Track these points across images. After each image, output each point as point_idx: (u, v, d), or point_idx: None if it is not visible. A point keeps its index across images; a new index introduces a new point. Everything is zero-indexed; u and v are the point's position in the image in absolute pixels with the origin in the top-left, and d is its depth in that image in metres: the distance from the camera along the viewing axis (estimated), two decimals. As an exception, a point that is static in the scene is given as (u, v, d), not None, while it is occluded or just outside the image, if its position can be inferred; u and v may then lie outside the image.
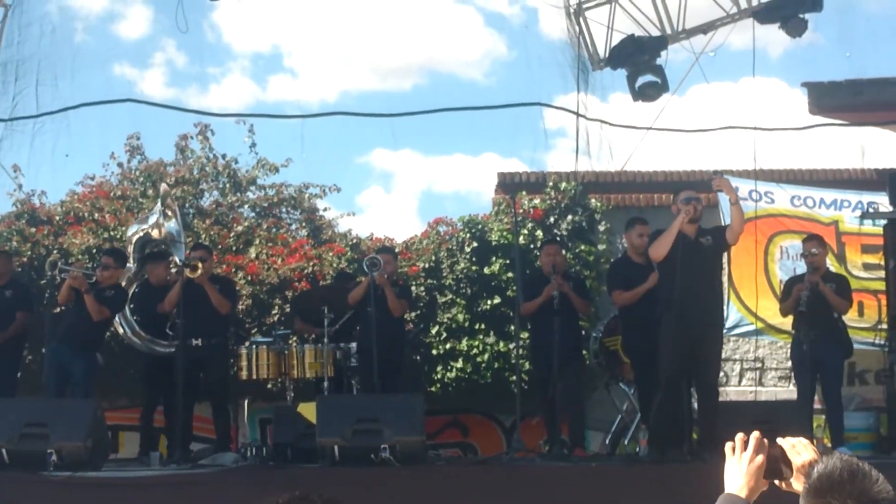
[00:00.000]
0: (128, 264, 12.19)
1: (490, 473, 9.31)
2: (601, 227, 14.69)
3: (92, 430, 9.15)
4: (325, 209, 18.35)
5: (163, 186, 14.20)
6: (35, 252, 14.68)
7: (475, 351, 13.98)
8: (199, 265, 11.22)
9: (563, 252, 12.26)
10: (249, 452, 10.50)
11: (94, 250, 14.32)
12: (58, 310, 11.42)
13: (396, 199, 35.20)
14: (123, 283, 11.95)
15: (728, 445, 3.17)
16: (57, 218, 15.92)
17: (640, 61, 12.06)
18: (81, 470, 8.87)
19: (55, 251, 14.23)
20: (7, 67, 13.03)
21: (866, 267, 13.49)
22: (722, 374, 13.84)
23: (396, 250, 13.91)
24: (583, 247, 14.26)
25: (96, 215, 15.69)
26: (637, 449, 11.44)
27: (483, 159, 36.45)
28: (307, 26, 32.83)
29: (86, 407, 9.57)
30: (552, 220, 14.55)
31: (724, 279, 12.75)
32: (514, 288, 13.34)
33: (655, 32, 12.10)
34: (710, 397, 9.98)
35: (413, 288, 13.77)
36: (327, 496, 2.49)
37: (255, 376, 11.63)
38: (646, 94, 11.93)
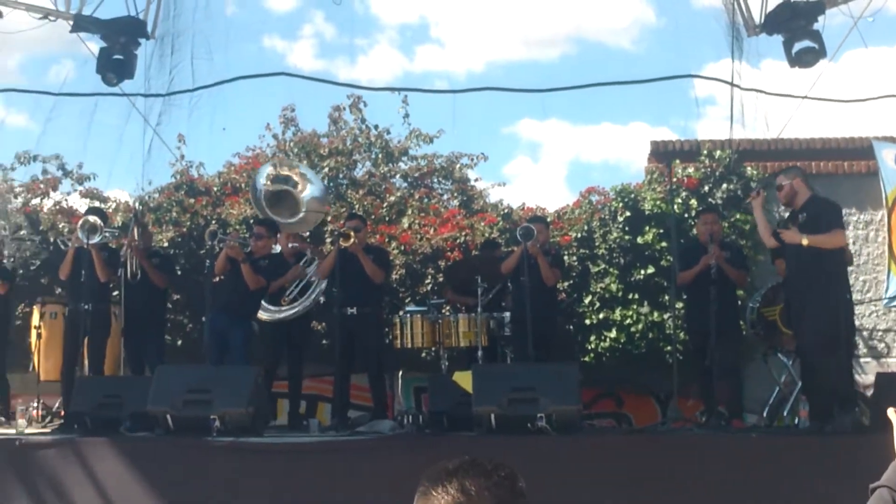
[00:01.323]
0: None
1: (646, 443, 9.21)
2: (758, 196, 14.43)
3: (253, 397, 9.31)
4: (476, 179, 18.41)
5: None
6: (194, 222, 15.00)
7: (629, 321, 13.87)
8: (353, 234, 11.34)
9: (720, 221, 12.07)
10: (406, 420, 10.59)
11: (251, 220, 14.57)
12: (216, 279, 11.61)
13: (544, 168, 35.10)
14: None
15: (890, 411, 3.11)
16: (215, 189, 16.24)
17: (796, 27, 11.81)
18: (244, 435, 9.03)
19: (213, 221, 14.52)
20: (164, 41, 13.32)
21: None
22: (883, 344, 13.54)
23: (548, 220, 13.85)
24: (738, 216, 14.01)
25: (253, 185, 15.95)
26: (796, 421, 11.23)
27: (632, 128, 36.12)
28: (454, -4, 32.80)
29: (248, 373, 9.73)
30: (706, 188, 14.34)
31: (885, 249, 12.47)
32: (668, 257, 13.21)
33: (812, -3, 11.84)
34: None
35: (565, 257, 13.72)
36: (497, 461, 2.48)
37: (409, 345, 11.72)
38: (803, 60, 11.69)
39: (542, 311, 11.04)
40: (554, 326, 11.98)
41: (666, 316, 13.55)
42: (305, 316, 12.29)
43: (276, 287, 11.98)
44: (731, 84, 12.14)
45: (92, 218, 11.41)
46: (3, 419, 11.21)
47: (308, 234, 13.92)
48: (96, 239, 11.23)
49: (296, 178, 13.10)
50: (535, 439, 8.62)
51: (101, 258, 11.45)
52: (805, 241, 9.44)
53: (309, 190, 13.02)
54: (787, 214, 10.57)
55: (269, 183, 12.90)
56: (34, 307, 12.55)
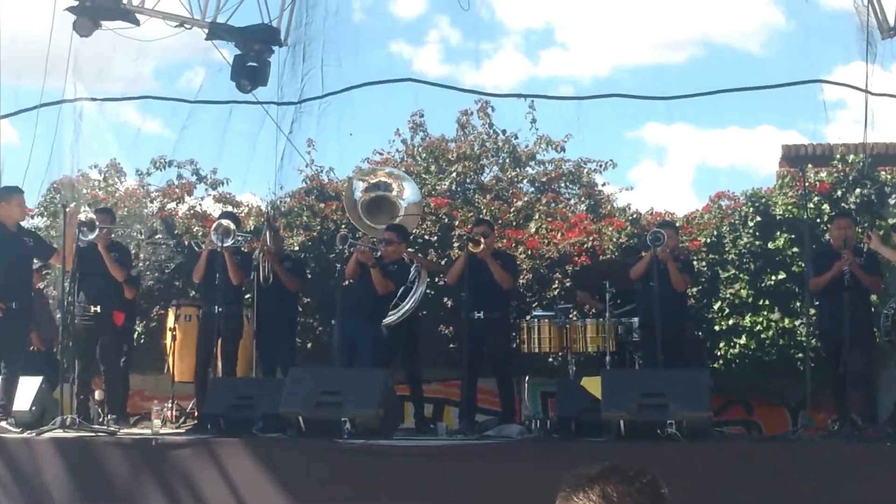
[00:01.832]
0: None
1: (777, 451, 9.08)
2: (892, 201, 14.13)
3: (383, 400, 9.38)
4: (603, 184, 18.35)
5: None
6: (324, 227, 15.17)
7: (759, 327, 13.71)
8: (482, 240, 11.37)
9: (853, 226, 11.85)
10: (533, 425, 10.59)
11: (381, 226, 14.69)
12: (346, 283, 11.72)
13: (670, 173, 34.82)
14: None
15: None
16: (345, 193, 16.40)
17: (932, 28, 11.58)
18: (374, 438, 9.10)
19: (343, 226, 14.67)
20: (296, 49, 13.56)
21: None
22: None
23: (677, 224, 13.74)
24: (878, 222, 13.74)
25: (382, 191, 16.09)
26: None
27: (759, 132, 35.65)
28: (579, 0, 32.65)
29: (378, 376, 9.81)
30: (839, 193, 14.11)
31: None
32: (800, 263, 13.02)
33: (951, -3, 11.59)
34: None
35: (695, 262, 13.60)
36: (639, 468, 2.47)
37: (536, 350, 11.72)
38: (939, 62, 11.46)
39: (672, 316, 10.95)
40: (683, 331, 11.87)
41: (797, 322, 13.35)
42: (412, 320, 12.25)
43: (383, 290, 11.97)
44: (865, 91, 11.94)
45: (225, 221, 11.59)
46: (115, 418, 11.41)
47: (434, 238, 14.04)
48: (229, 242, 11.40)
49: (386, 180, 13.18)
50: (664, 446, 8.55)
51: (234, 261, 11.63)
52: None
53: (406, 191, 13.08)
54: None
55: (364, 194, 12.96)
56: (169, 310, 12.80)
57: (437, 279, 13.44)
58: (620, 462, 2.49)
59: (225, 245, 11.36)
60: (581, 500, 2.35)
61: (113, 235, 12.36)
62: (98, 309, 11.50)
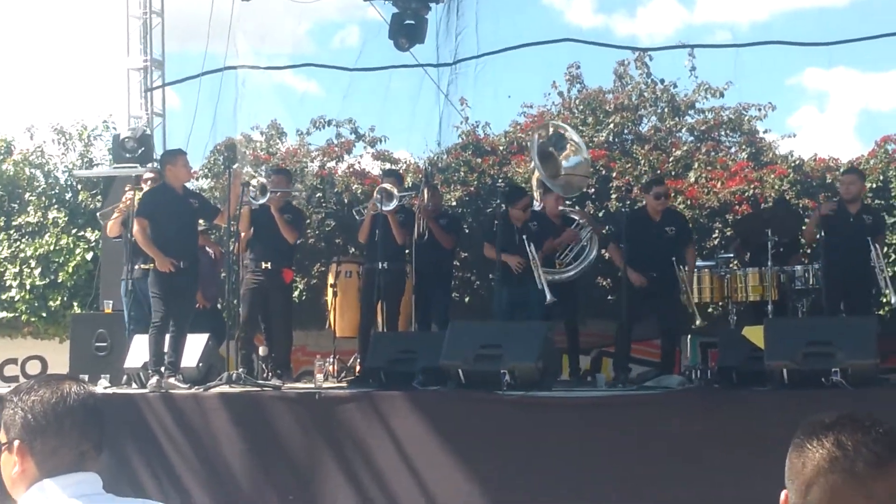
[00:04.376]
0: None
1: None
2: None
3: (543, 352, 9.38)
4: (765, 131, 17.97)
5: None
6: (481, 182, 15.22)
7: (928, 272, 13.34)
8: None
9: None
10: (694, 375, 10.49)
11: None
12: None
13: (831, 118, 33.88)
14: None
15: None
16: (501, 148, 16.43)
17: None
18: (533, 389, 9.12)
19: (500, 180, 14.68)
20: (450, 6, 13.55)
21: None
22: None
23: (841, 171, 13.42)
24: None
25: (538, 144, 16.05)
26: None
27: (925, 73, 34.50)
28: (739, -57, 31.88)
29: (538, 329, 9.81)
30: None
31: None
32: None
33: None
34: None
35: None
36: (875, 417, 2.42)
37: (697, 300, 11.57)
38: None
39: (859, 265, 10.75)
40: (868, 282, 11.46)
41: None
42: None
43: (548, 250, 11.88)
44: None
45: (388, 185, 11.68)
46: (280, 372, 11.66)
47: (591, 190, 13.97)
48: (392, 206, 11.49)
49: (566, 141, 12.99)
50: (830, 394, 8.37)
51: (397, 221, 11.73)
52: None
53: (572, 159, 12.89)
54: None
55: (541, 137, 12.80)
56: (330, 266, 13.01)
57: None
58: (856, 411, 2.45)
59: (386, 209, 11.46)
60: (815, 447, 2.32)
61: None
62: (269, 265, 11.74)
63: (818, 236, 11.17)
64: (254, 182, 11.50)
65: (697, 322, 11.31)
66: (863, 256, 10.69)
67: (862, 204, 11.55)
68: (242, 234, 11.67)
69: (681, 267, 11.07)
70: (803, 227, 12.07)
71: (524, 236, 11.23)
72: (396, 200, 11.55)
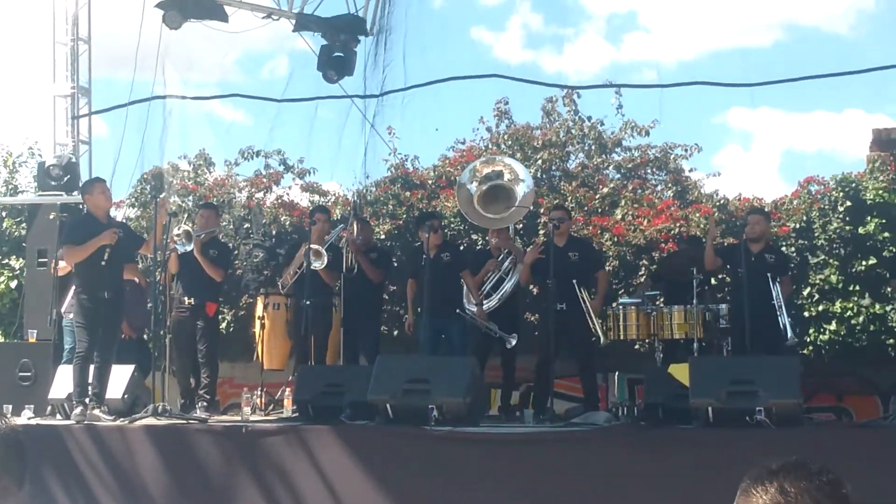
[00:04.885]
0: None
1: (868, 438, 8.98)
2: None
3: (471, 387, 9.40)
4: (690, 170, 18.17)
5: None
6: (410, 215, 15.24)
7: (849, 313, 13.56)
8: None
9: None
10: (620, 412, 10.56)
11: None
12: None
13: (756, 158, 34.42)
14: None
15: None
16: (430, 182, 16.46)
17: None
18: (461, 425, 9.13)
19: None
20: (379, 39, 13.60)
21: None
22: None
23: (766, 210, 13.61)
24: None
25: (467, 179, 16.10)
26: None
27: (847, 116, 35.16)
28: (664, -17, 32.34)
29: (465, 364, 9.84)
30: (932, 177, 13.90)
31: None
32: (892, 248, 12.86)
33: None
34: None
35: (783, 248, 13.47)
36: (823, 465, 2.46)
37: (622, 337, 11.66)
38: None
39: (764, 304, 10.84)
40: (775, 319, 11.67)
41: (888, 308, 13.18)
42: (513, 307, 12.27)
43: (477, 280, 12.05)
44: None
45: (316, 246, 11.65)
46: (206, 405, 11.63)
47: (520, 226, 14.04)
48: (320, 264, 11.51)
49: (501, 168, 13.08)
50: (753, 433, 8.48)
51: (328, 273, 11.86)
52: None
53: (521, 181, 12.99)
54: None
55: (479, 185, 12.83)
56: (258, 298, 12.96)
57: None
58: (806, 458, 2.49)
59: (315, 266, 11.51)
60: (759, 493, 2.36)
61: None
62: (192, 301, 11.73)
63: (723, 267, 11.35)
64: (178, 231, 11.45)
65: (602, 342, 11.34)
66: (767, 296, 10.82)
67: (766, 244, 11.70)
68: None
69: (582, 290, 11.18)
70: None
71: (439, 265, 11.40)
72: (326, 259, 11.56)
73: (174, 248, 11.42)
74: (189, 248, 11.41)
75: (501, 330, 11.74)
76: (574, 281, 11.16)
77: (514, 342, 11.50)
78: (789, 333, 10.58)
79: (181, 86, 14.25)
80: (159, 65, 13.32)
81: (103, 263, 10.56)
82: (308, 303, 11.29)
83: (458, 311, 11.59)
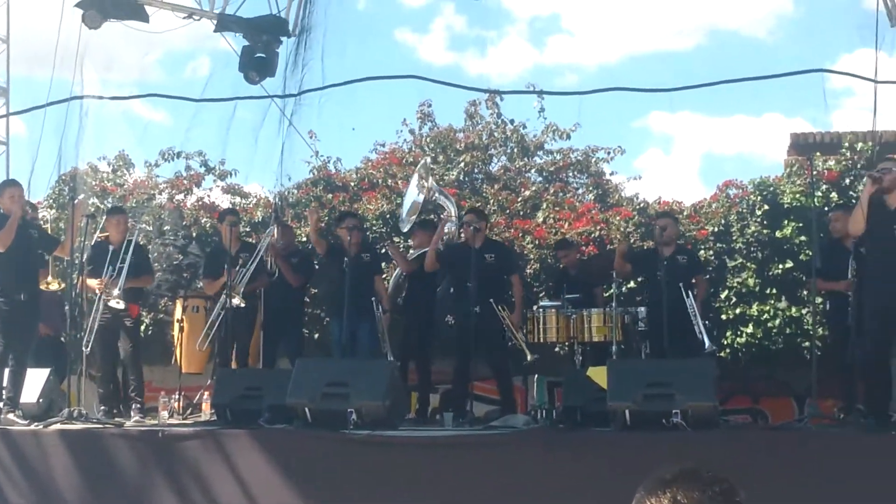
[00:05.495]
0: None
1: (782, 440, 9.08)
2: (900, 189, 14.08)
3: (390, 390, 9.40)
4: (611, 173, 18.33)
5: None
6: (332, 217, 15.17)
7: (766, 316, 13.72)
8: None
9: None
10: (539, 415, 10.60)
11: (388, 216, 14.73)
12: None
13: (676, 161, 34.82)
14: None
15: None
16: (352, 184, 16.43)
17: (942, 16, 11.58)
18: (380, 428, 9.12)
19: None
20: (301, 40, 13.52)
21: None
22: None
23: (685, 213, 13.74)
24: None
25: (389, 181, 16.11)
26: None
27: (765, 120, 35.66)
28: (588, -13, 32.62)
29: (384, 367, 9.84)
30: (847, 181, 14.08)
31: None
32: (808, 251, 12.99)
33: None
34: None
35: (701, 252, 13.60)
36: (717, 475, 2.47)
37: (542, 340, 11.70)
38: (949, 50, 11.46)
39: (678, 305, 10.92)
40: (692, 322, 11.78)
41: (804, 311, 13.35)
42: (427, 310, 12.32)
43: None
44: (873, 80, 11.89)
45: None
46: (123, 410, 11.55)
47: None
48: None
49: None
50: (670, 435, 8.55)
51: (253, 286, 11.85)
52: None
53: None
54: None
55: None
56: (176, 301, 12.85)
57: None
58: (700, 466, 2.49)
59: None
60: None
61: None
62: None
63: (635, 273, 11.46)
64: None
65: (528, 358, 11.37)
66: (681, 298, 10.93)
67: (677, 245, 11.82)
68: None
69: (500, 307, 11.22)
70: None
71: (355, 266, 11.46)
72: (240, 301, 11.50)
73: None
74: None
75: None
76: (493, 292, 11.24)
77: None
78: (706, 342, 10.69)
79: (100, 86, 14.09)
80: (78, 64, 13.14)
81: (16, 265, 10.42)
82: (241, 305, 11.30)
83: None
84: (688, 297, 10.97)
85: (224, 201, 16.83)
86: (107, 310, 11.46)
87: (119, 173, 17.94)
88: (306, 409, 9.31)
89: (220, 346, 11.79)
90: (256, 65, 13.25)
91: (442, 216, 13.33)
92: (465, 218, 11.78)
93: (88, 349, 11.06)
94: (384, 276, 13.09)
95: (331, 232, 13.79)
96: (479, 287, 11.00)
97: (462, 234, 11.43)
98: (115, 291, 11.26)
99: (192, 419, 11.09)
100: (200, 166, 17.84)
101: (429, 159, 15.23)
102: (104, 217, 12.47)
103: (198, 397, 11.98)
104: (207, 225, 15.61)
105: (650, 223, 14.10)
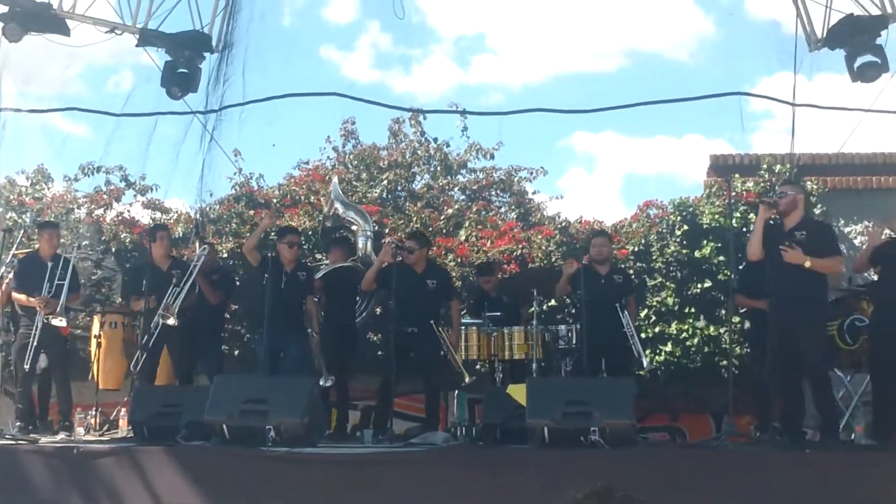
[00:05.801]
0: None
1: (699, 457, 9.16)
2: (817, 210, 14.32)
3: (309, 408, 9.35)
4: (533, 192, 18.43)
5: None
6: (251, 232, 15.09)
7: (685, 335, 13.85)
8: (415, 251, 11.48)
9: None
10: (459, 432, 10.61)
11: (311, 232, 14.67)
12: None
13: (599, 181, 35.10)
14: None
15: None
16: (274, 201, 16.35)
17: (859, 41, 11.78)
18: (298, 445, 9.08)
19: (273, 234, 14.62)
20: (223, 56, 13.46)
21: None
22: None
23: (607, 232, 13.82)
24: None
25: (312, 198, 16.06)
26: (852, 436, 11.10)
27: (687, 141, 36.10)
28: (511, 8, 32.82)
29: (303, 384, 9.78)
30: (765, 203, 14.25)
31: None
32: (726, 272, 13.15)
33: (875, 11, 11.78)
34: None
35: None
36: (628, 495, 2.49)
37: (464, 357, 11.72)
38: (865, 74, 11.67)
39: (610, 325, 11.02)
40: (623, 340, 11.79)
41: (722, 330, 13.49)
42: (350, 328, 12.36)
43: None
44: (791, 103, 12.09)
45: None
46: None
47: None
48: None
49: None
50: (588, 453, 8.59)
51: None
52: (808, 264, 9.30)
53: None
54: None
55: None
56: (94, 317, 12.71)
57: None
58: (612, 486, 2.51)
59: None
60: None
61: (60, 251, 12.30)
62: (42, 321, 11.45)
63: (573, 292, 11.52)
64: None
65: (467, 380, 11.44)
66: (617, 316, 11.03)
67: (612, 265, 11.93)
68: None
69: (441, 327, 11.26)
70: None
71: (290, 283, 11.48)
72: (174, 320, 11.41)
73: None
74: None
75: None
76: (433, 313, 11.31)
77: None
78: (645, 363, 10.81)
79: (19, 98, 13.91)
80: (-3, 77, 12.97)
81: None
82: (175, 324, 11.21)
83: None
84: (623, 315, 11.09)
85: (144, 216, 16.69)
86: (32, 326, 11.31)
87: (38, 187, 17.70)
88: (224, 426, 9.23)
89: (146, 363, 11.64)
90: (179, 80, 13.16)
91: (355, 230, 13.41)
92: (407, 244, 11.77)
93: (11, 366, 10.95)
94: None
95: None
96: (417, 308, 11.08)
97: (401, 257, 11.44)
98: (59, 310, 11.21)
99: (108, 436, 10.96)
100: (121, 181, 17.63)
101: (336, 178, 15.24)
102: (36, 231, 12.35)
103: (115, 413, 11.84)
104: (127, 240, 15.45)
105: (572, 242, 14.21)
